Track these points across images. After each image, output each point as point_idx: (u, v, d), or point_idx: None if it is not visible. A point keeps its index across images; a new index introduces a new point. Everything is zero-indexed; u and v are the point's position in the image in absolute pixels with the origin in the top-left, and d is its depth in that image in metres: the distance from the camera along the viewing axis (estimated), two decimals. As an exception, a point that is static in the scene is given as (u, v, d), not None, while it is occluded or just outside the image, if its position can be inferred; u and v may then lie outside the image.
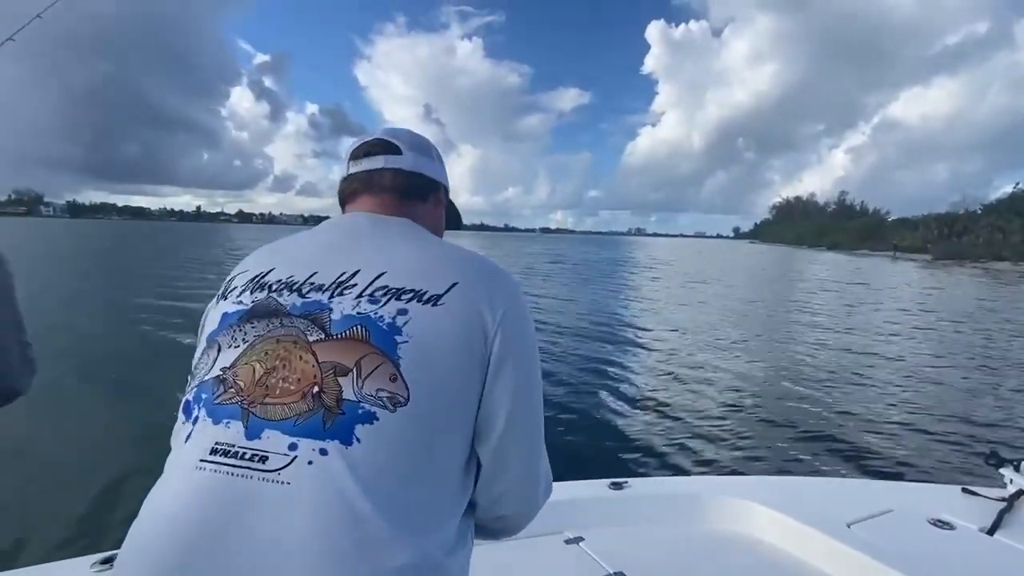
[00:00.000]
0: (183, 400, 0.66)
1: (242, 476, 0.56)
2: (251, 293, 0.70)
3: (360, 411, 0.59)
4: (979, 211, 71.56)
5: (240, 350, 0.65)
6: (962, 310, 15.91)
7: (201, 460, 0.58)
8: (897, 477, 4.46)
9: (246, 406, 0.60)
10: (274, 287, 0.69)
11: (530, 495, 0.76)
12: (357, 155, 0.84)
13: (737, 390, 6.93)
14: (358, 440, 0.58)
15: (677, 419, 5.74)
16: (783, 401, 6.50)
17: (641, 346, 9.77)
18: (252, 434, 0.59)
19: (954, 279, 30.62)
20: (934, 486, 2.11)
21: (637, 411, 6.01)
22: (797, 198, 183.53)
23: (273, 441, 0.58)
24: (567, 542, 1.59)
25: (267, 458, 0.57)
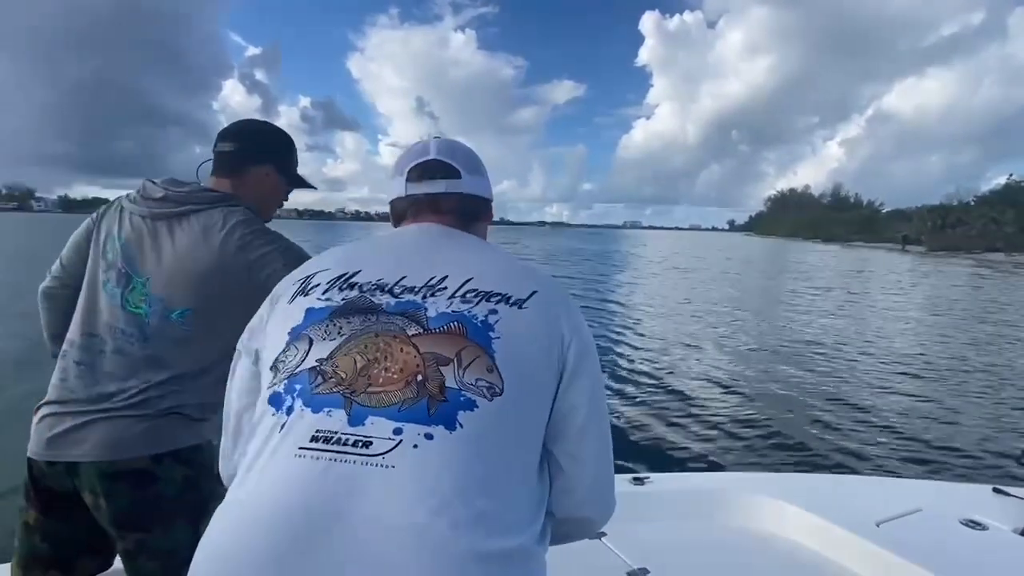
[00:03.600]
0: (268, 392, 0.67)
1: (344, 461, 0.57)
2: (340, 291, 0.71)
3: (462, 398, 0.61)
4: (972, 202, 71.88)
5: (336, 343, 0.66)
6: (980, 305, 15.77)
7: (300, 448, 0.59)
8: (924, 475, 4.37)
9: (348, 395, 0.61)
10: (365, 287, 0.71)
11: (608, 495, 0.77)
12: (414, 176, 0.84)
13: (760, 384, 6.81)
14: (461, 426, 0.59)
15: (699, 414, 5.60)
16: (806, 396, 6.36)
17: (662, 340, 9.64)
18: (355, 421, 0.60)
19: (965, 272, 30.64)
20: (964, 485, 2.08)
21: (659, 405, 5.87)
22: (792, 190, 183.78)
23: (377, 427, 0.59)
24: (590, 537, 1.58)
25: (371, 443, 0.58)
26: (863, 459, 4.70)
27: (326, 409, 0.61)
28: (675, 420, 5.42)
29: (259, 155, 1.31)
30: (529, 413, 0.66)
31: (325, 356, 0.65)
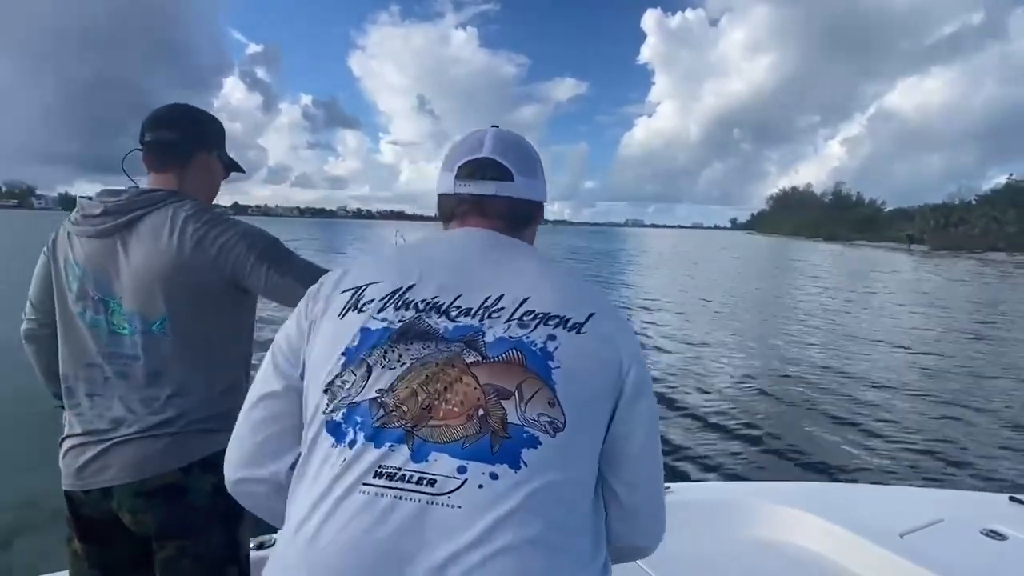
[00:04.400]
0: (324, 420, 0.64)
1: (410, 499, 0.57)
2: (395, 310, 0.68)
3: (525, 435, 0.60)
4: (974, 201, 71.69)
5: (397, 372, 0.64)
6: (997, 309, 15.58)
7: (364, 484, 0.58)
8: (936, 483, 4.37)
9: (410, 429, 0.60)
10: (420, 307, 0.68)
11: (661, 521, 0.76)
12: (464, 174, 0.80)
13: (779, 392, 6.71)
14: (525, 464, 0.58)
15: (719, 423, 5.54)
16: (824, 404, 6.30)
17: (676, 346, 9.47)
18: (419, 457, 0.59)
19: (971, 272, 30.57)
20: (981, 494, 2.08)
21: (678, 414, 5.79)
22: (794, 189, 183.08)
23: (441, 464, 0.58)
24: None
25: (435, 481, 0.57)
26: (879, 468, 4.69)
27: (388, 444, 0.60)
28: (695, 429, 5.38)
29: (202, 141, 1.25)
30: (588, 445, 0.65)
31: (386, 387, 0.63)
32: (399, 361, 0.65)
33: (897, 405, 6.41)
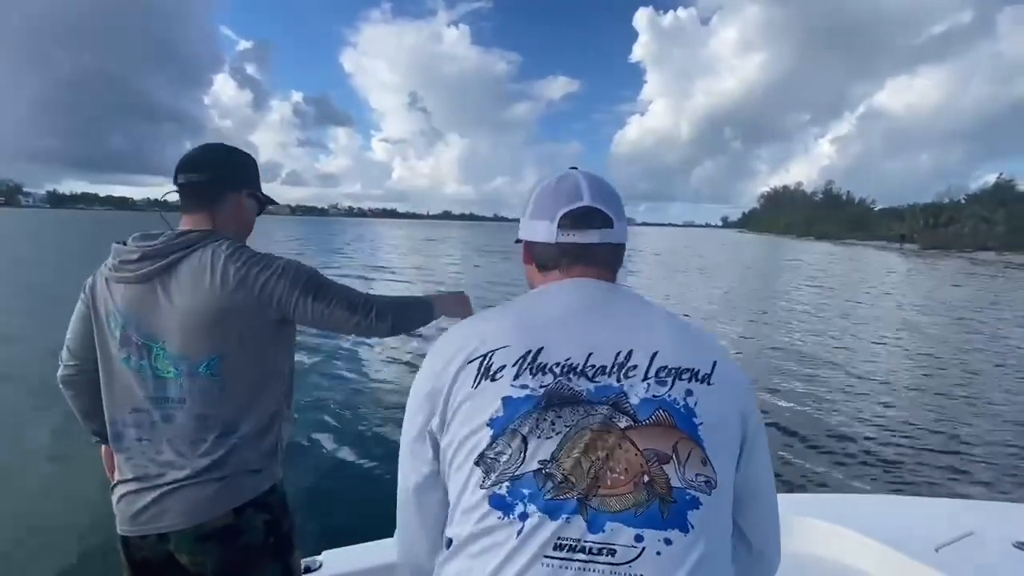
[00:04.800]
0: (486, 494, 0.64)
1: (594, 571, 0.59)
2: (532, 376, 0.68)
3: (687, 497, 0.62)
4: (963, 201, 72.28)
5: (555, 441, 0.64)
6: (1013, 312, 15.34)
7: (546, 556, 0.59)
8: (960, 493, 4.31)
9: (582, 499, 0.61)
10: (557, 371, 0.68)
11: (777, 559, 0.79)
12: (568, 224, 0.80)
13: (804, 401, 6.61)
14: (692, 526, 0.61)
15: None
16: (851, 415, 6.22)
17: None
18: (595, 527, 0.60)
19: (975, 274, 30.70)
20: (1007, 505, 2.10)
21: None
22: (784, 187, 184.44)
23: (618, 533, 0.60)
24: None
25: (615, 551, 0.59)
26: (906, 479, 4.60)
27: (564, 516, 0.61)
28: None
29: (233, 181, 1.26)
30: (730, 495, 0.68)
31: (548, 457, 0.64)
32: (554, 429, 0.65)
33: (916, 414, 6.31)
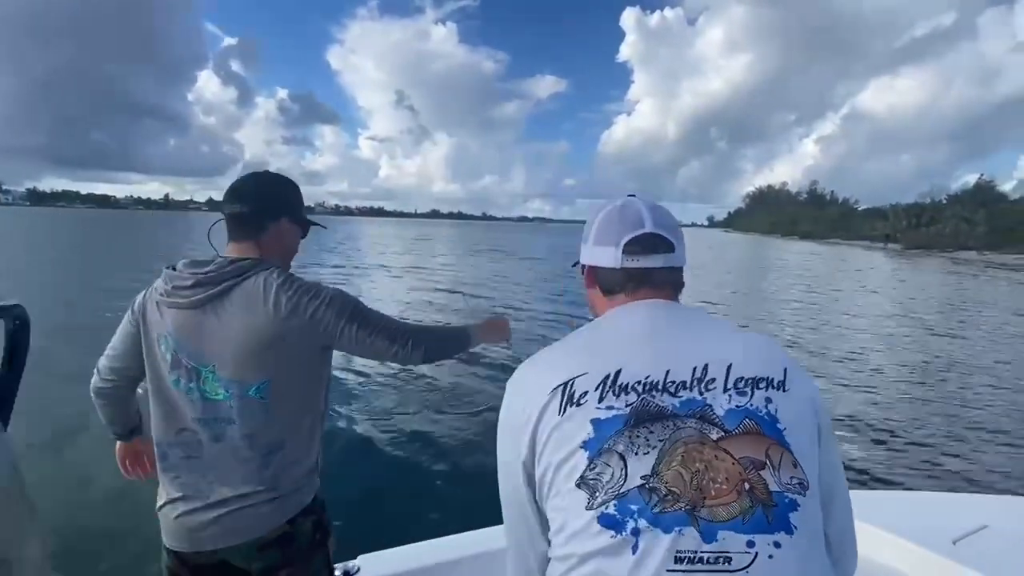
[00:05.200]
0: (594, 515, 0.66)
1: None
2: (615, 396, 0.70)
3: (786, 500, 0.65)
4: (944, 201, 73.41)
5: (653, 456, 0.66)
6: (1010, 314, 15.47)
7: (668, 570, 0.61)
8: (969, 486, 4.34)
9: (691, 511, 0.63)
10: (639, 388, 0.70)
11: (854, 559, 0.81)
12: (634, 250, 0.83)
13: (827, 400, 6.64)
14: (795, 528, 0.64)
15: None
16: (866, 411, 6.25)
17: None
18: (708, 537, 0.62)
19: (967, 273, 31.08)
20: (1018, 499, 2.15)
21: None
22: (770, 187, 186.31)
23: (731, 541, 0.62)
24: None
25: (731, 558, 0.62)
26: (920, 474, 4.61)
27: (676, 528, 0.63)
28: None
29: (275, 211, 1.31)
30: (819, 494, 0.70)
31: (649, 472, 0.65)
32: (649, 444, 0.67)
33: (921, 407, 6.38)
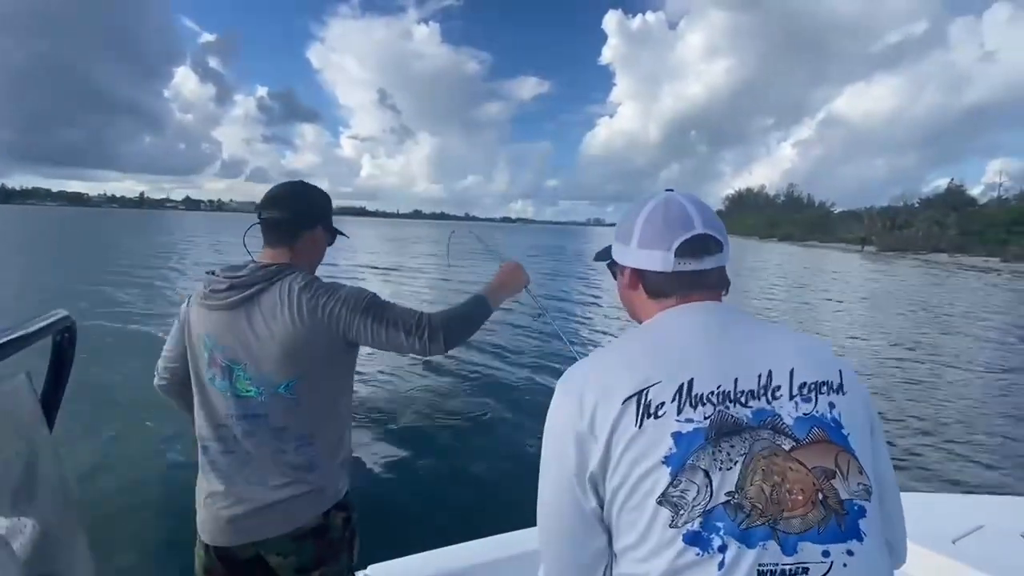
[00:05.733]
0: (679, 532, 0.65)
1: None
2: (692, 408, 0.69)
3: (855, 507, 0.67)
4: (917, 205, 75.22)
5: (736, 471, 0.67)
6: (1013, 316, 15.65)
7: None
8: (957, 486, 4.41)
9: (772, 525, 0.65)
10: (714, 399, 0.70)
11: (905, 553, 0.82)
12: (686, 253, 0.81)
13: None
14: (865, 534, 0.66)
15: None
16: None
17: None
18: (788, 550, 0.64)
19: (959, 277, 31.72)
20: (1012, 499, 2.18)
21: None
22: (748, 190, 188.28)
23: (808, 552, 0.64)
24: None
25: (808, 569, 0.63)
26: (917, 475, 4.65)
27: (760, 543, 0.64)
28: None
29: (311, 219, 1.39)
30: (879, 495, 0.72)
31: (733, 488, 0.66)
32: (731, 459, 0.67)
33: (911, 406, 6.45)
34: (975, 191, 76.86)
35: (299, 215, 1.36)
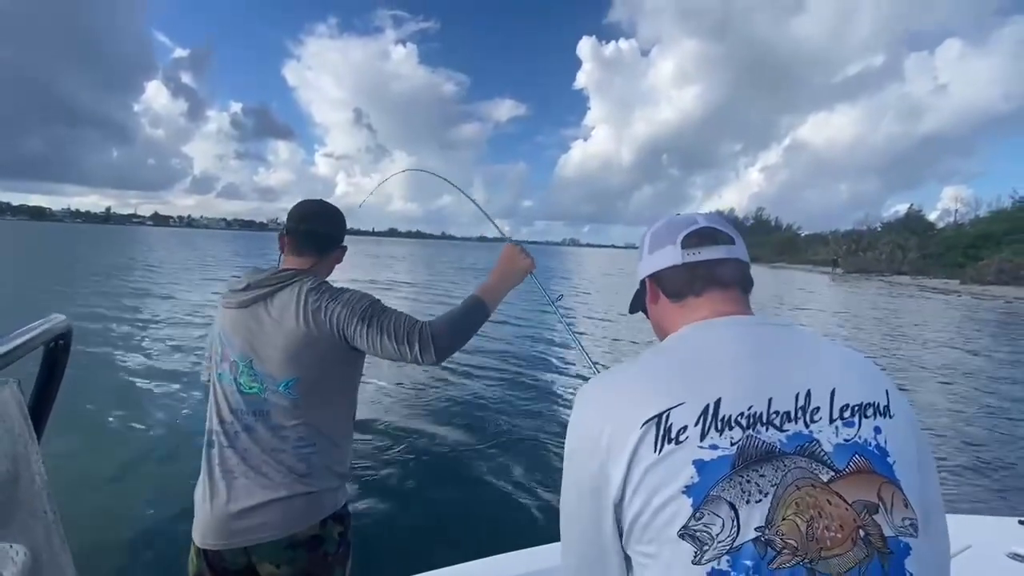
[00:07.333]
0: (704, 570, 0.60)
1: None
2: (718, 433, 0.64)
3: (900, 545, 0.61)
4: (879, 228, 77.97)
5: (766, 504, 0.61)
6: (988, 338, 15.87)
7: None
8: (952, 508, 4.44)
9: (808, 564, 0.59)
10: (743, 422, 0.64)
11: None
12: (693, 243, 0.81)
13: None
14: (911, 574, 0.61)
15: None
16: None
17: None
18: None
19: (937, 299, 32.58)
20: (995, 519, 2.20)
21: None
22: (718, 212, 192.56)
23: None
24: None
25: None
26: None
27: None
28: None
29: (339, 237, 1.49)
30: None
31: (763, 523, 0.60)
32: (760, 491, 0.61)
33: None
34: (932, 215, 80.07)
35: (335, 231, 1.46)
